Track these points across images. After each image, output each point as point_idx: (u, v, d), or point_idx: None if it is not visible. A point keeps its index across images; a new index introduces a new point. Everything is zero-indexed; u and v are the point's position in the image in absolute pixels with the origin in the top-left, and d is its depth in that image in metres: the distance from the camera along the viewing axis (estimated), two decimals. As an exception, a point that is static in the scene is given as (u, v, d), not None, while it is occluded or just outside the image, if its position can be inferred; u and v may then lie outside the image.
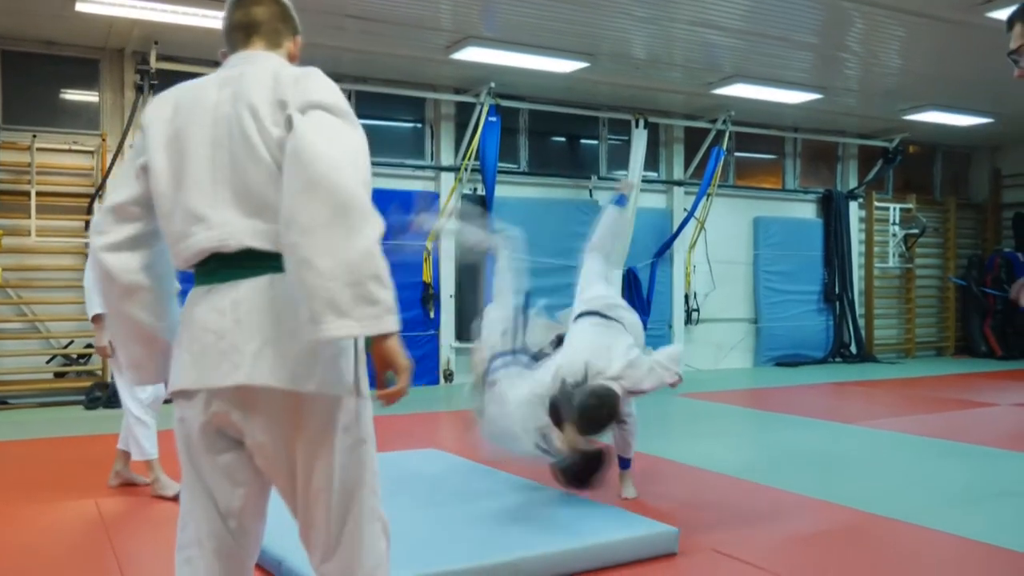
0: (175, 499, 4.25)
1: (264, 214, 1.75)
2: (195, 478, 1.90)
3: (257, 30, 1.98)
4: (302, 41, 2.08)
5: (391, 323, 1.67)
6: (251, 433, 1.81)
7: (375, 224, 1.66)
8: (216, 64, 2.02)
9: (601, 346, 4.02)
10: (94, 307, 4.34)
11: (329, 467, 1.80)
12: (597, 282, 4.67)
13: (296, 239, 1.64)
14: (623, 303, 4.55)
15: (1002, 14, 7.29)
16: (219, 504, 1.88)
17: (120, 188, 1.94)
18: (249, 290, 1.77)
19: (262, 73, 1.84)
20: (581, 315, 4.33)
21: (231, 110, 1.80)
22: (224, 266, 1.79)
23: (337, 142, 1.69)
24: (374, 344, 1.70)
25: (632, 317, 4.42)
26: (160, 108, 1.92)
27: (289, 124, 1.72)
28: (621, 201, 5.22)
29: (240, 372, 1.74)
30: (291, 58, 2.02)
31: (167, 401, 2.02)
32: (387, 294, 1.66)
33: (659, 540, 3.50)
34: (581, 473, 3.69)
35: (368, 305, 1.63)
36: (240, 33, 1.98)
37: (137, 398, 4.40)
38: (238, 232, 1.77)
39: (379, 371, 1.73)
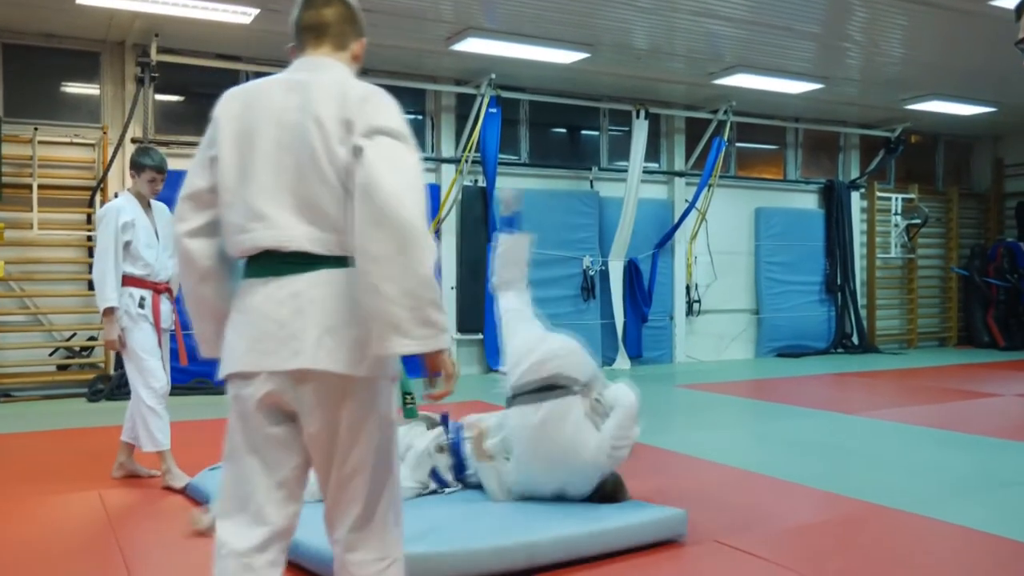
0: (183, 491, 4.28)
1: (320, 223, 1.93)
2: (248, 450, 2.02)
3: (326, 32, 2.10)
4: (366, 43, 2.20)
5: (443, 341, 1.91)
6: (301, 411, 1.97)
7: (432, 253, 1.87)
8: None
9: (547, 470, 3.63)
10: (105, 300, 4.32)
11: (367, 448, 1.98)
12: (519, 324, 4.03)
13: (366, 267, 1.85)
14: (555, 346, 3.76)
15: (1006, 2, 7.27)
16: (272, 474, 2.01)
17: (195, 177, 2.08)
18: (307, 284, 1.94)
19: (330, 86, 1.97)
20: (514, 399, 3.74)
21: (298, 118, 1.95)
22: (280, 261, 1.95)
23: (401, 173, 1.87)
24: (427, 356, 1.93)
25: (571, 360, 3.69)
26: (230, 105, 2.06)
27: (356, 150, 1.88)
28: (510, 225, 4.35)
29: (301, 357, 1.90)
30: (355, 59, 2.15)
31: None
32: (442, 317, 1.90)
33: (669, 523, 3.53)
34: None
35: (426, 327, 1.86)
36: (310, 33, 2.11)
37: (151, 387, 4.39)
38: (297, 237, 1.93)
39: (430, 375, 1.97)
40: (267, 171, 1.96)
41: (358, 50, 2.16)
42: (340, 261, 1.95)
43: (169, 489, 4.39)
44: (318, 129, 1.91)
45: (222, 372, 2.04)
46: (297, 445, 2.02)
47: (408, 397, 2.36)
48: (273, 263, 1.95)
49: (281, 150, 1.95)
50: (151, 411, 4.38)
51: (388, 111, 1.94)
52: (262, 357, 1.94)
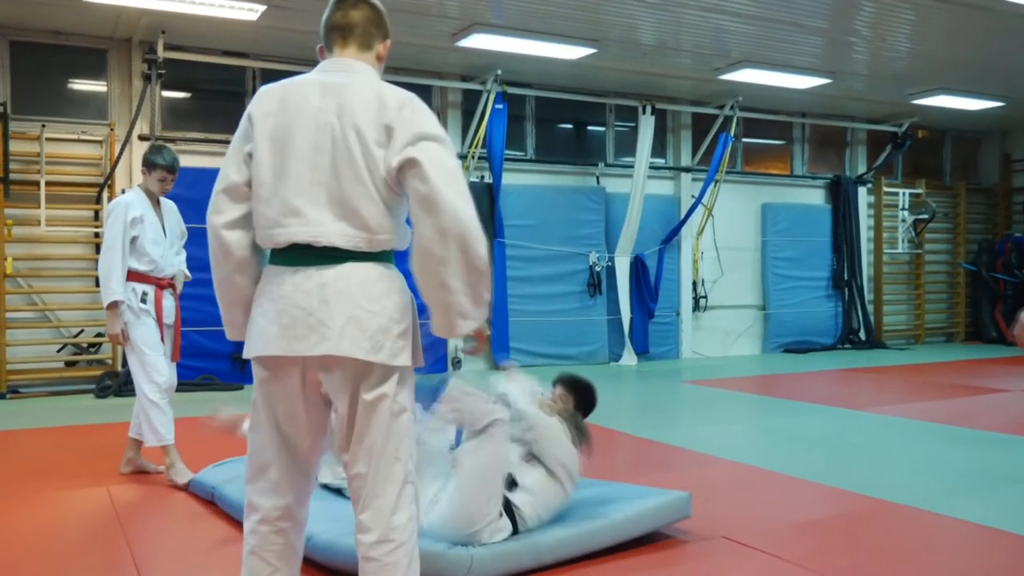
0: (186, 487, 4.29)
1: (352, 220, 2.07)
2: (268, 426, 2.18)
3: (352, 32, 2.22)
4: (390, 44, 2.33)
5: (487, 314, 2.14)
6: (331, 393, 2.14)
7: (485, 246, 2.07)
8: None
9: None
10: (110, 295, 4.32)
11: (379, 428, 2.11)
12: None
13: (435, 268, 2.04)
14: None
15: (1013, -3, 7.23)
16: (288, 450, 2.19)
17: (231, 171, 2.18)
18: (333, 276, 2.08)
19: (365, 91, 2.10)
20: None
21: (335, 121, 2.07)
22: (309, 254, 2.09)
23: (453, 180, 2.04)
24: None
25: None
26: (266, 102, 2.15)
27: (408, 161, 2.02)
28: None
29: (328, 344, 2.05)
30: (379, 60, 2.28)
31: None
32: (490, 296, 2.12)
33: (674, 506, 3.53)
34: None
35: (480, 307, 2.10)
36: (337, 33, 2.22)
37: (154, 382, 4.39)
38: (330, 233, 2.07)
39: (467, 337, 2.20)
40: (303, 170, 2.07)
41: (382, 51, 2.28)
42: (365, 256, 2.09)
43: (173, 485, 4.39)
44: (356, 133, 2.04)
45: (250, 353, 2.17)
46: (313, 426, 2.18)
47: None
48: (303, 255, 2.08)
49: (318, 151, 2.07)
50: (153, 405, 4.39)
51: (427, 116, 2.09)
52: (294, 343, 2.07)
